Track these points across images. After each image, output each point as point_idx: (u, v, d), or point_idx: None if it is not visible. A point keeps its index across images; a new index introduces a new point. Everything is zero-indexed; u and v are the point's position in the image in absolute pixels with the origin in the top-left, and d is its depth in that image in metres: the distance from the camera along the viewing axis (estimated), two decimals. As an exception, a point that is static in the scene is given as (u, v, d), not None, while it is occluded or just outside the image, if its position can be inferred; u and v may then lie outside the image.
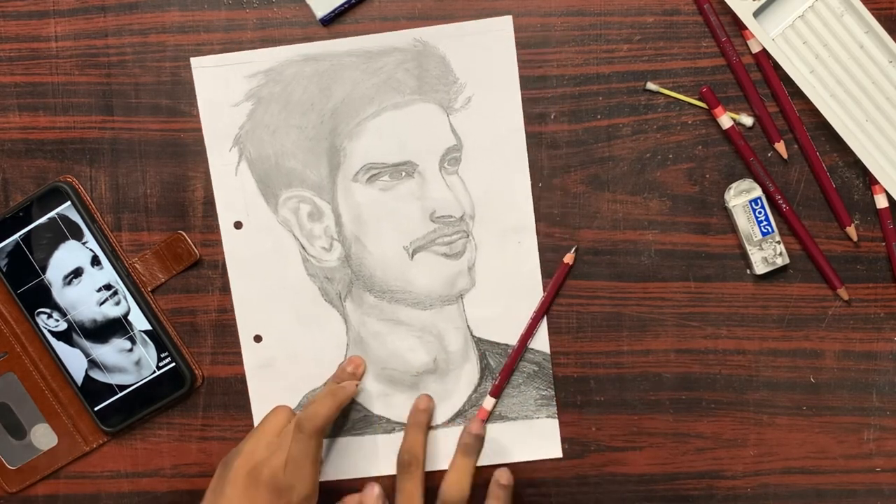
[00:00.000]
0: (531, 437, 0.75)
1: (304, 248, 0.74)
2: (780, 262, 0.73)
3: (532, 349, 0.75)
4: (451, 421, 0.76)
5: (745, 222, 0.72)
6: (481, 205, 0.74)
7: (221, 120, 0.74)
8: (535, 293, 0.74)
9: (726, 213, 0.73)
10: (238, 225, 0.75)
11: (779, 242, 0.73)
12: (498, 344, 0.75)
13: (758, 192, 0.72)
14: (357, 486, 0.75)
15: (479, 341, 0.75)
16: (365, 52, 0.73)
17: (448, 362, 0.75)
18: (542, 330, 0.75)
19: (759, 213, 0.72)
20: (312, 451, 0.68)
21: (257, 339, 0.75)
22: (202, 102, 0.74)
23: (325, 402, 0.70)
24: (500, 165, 0.74)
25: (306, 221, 0.74)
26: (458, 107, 0.73)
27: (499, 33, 0.73)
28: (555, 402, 0.75)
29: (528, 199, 0.74)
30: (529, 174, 0.74)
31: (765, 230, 0.72)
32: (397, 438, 0.75)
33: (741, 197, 0.72)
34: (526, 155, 0.73)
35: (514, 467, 0.75)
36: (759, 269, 0.73)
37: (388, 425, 0.76)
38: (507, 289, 0.74)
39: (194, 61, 0.73)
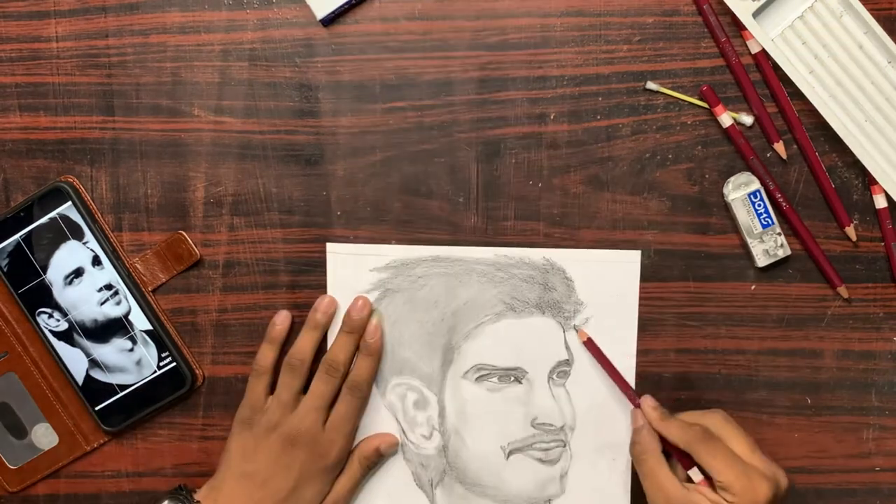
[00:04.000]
0: None
1: (404, 432, 0.75)
2: (781, 253, 0.73)
3: None
4: None
5: (744, 215, 0.72)
6: (583, 419, 0.74)
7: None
8: None
9: (726, 213, 0.73)
10: None
11: (779, 234, 0.73)
12: None
13: (756, 184, 0.72)
14: None
15: None
16: (495, 262, 0.74)
17: None
18: None
19: (759, 205, 0.72)
20: (360, 410, 0.74)
21: None
22: (331, 285, 0.74)
23: (367, 363, 0.73)
24: (608, 386, 0.74)
25: (411, 408, 0.75)
26: (574, 325, 0.74)
27: (626, 265, 0.74)
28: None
29: (628, 419, 0.74)
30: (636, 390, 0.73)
31: (765, 222, 0.72)
32: None
33: (740, 190, 0.72)
34: (634, 381, 0.74)
35: None
36: (761, 261, 0.73)
37: None
38: (595, 501, 0.75)
39: (329, 247, 0.74)
